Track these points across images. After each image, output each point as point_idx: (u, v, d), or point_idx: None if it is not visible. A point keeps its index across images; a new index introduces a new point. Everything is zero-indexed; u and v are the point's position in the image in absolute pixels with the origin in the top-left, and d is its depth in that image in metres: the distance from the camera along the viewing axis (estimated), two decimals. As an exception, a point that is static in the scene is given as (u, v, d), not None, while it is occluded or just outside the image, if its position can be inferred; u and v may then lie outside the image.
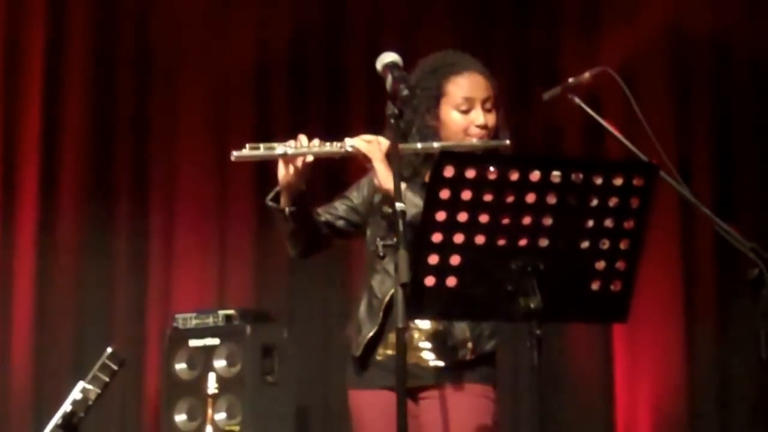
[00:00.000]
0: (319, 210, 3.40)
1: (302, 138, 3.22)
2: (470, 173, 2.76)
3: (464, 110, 3.31)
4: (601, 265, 2.87)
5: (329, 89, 6.55)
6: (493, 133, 3.34)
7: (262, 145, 3.19)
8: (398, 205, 2.89)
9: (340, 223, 3.39)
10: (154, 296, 6.37)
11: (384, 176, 3.17)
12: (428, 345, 3.27)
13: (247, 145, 3.19)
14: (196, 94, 6.53)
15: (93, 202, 6.38)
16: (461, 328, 3.24)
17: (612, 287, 2.90)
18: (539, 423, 2.88)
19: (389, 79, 3.04)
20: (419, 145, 3.25)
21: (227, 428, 5.64)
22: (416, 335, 3.27)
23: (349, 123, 6.36)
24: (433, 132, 3.30)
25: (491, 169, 2.77)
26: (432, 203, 2.77)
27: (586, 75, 3.23)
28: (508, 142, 3.32)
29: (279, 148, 3.19)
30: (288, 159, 3.20)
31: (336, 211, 3.40)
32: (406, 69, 3.18)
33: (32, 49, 6.35)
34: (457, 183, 2.76)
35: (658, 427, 6.03)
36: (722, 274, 5.99)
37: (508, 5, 6.51)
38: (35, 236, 6.23)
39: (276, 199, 3.29)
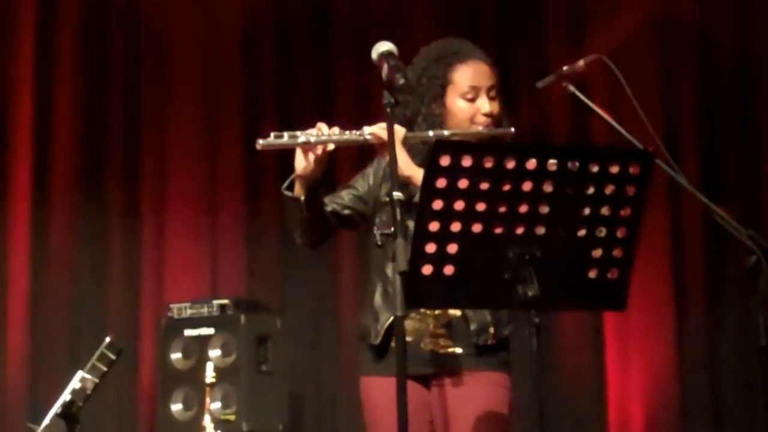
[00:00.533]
0: (325, 200, 3.39)
1: (323, 126, 3.22)
2: (466, 162, 2.76)
3: (470, 98, 3.32)
4: (598, 252, 2.88)
5: (317, 71, 6.54)
6: (498, 121, 3.35)
7: (285, 134, 3.18)
8: (395, 194, 2.89)
9: (347, 212, 3.39)
10: (148, 286, 6.38)
11: (405, 163, 3.18)
12: (445, 331, 3.28)
13: (272, 134, 3.18)
14: (186, 88, 6.53)
15: (85, 194, 6.39)
16: (482, 313, 3.24)
17: (609, 275, 2.90)
18: (539, 410, 2.87)
19: (385, 68, 3.04)
20: (431, 133, 3.25)
21: (223, 417, 5.66)
22: (433, 322, 3.27)
23: (336, 95, 6.38)
24: (439, 120, 3.31)
25: (488, 157, 2.77)
26: (428, 192, 2.78)
27: (581, 63, 3.23)
28: (513, 129, 3.32)
29: (302, 137, 3.18)
30: (309, 147, 3.18)
31: (342, 200, 3.39)
32: (399, 56, 3.17)
33: (22, 31, 6.34)
34: (454, 171, 2.76)
35: (651, 415, 6.05)
36: (712, 262, 6.00)
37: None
38: (29, 228, 6.23)
39: (290, 187, 3.29)
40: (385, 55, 3.07)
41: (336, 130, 3.22)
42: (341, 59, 6.43)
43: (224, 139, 6.57)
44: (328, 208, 3.36)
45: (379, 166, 3.39)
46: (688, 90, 6.25)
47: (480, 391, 3.23)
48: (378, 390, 3.29)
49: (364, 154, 3.44)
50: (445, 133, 3.25)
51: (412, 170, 3.16)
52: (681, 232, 6.14)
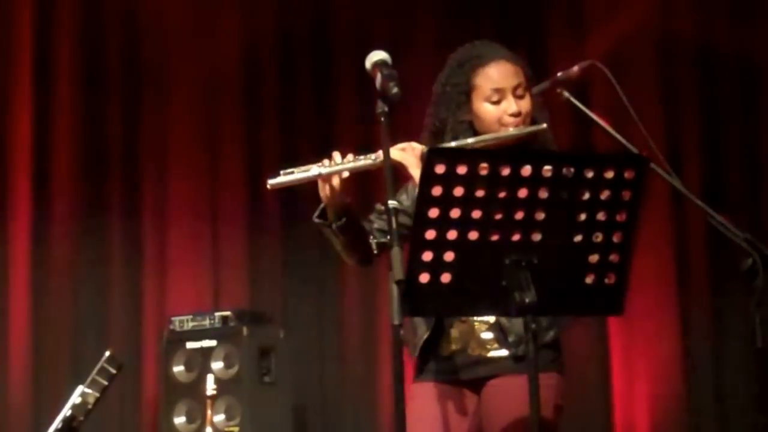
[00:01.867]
0: (371, 216, 3.42)
1: (336, 155, 3.23)
2: (461, 169, 2.76)
3: (495, 101, 3.31)
4: (594, 258, 2.88)
5: (318, 88, 6.55)
6: (530, 118, 3.33)
7: (295, 170, 3.20)
8: (390, 203, 2.89)
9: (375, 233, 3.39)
10: (150, 299, 6.38)
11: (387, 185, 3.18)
12: (491, 335, 3.28)
13: (282, 172, 3.20)
14: (186, 100, 6.54)
15: (86, 208, 6.39)
16: (518, 323, 3.23)
17: (606, 280, 2.90)
18: (537, 415, 2.86)
19: (379, 78, 3.04)
20: (453, 144, 3.25)
21: (226, 429, 5.66)
22: (479, 326, 3.28)
23: (338, 120, 6.38)
24: (467, 127, 3.32)
25: (482, 164, 2.77)
26: (424, 200, 2.78)
27: (575, 69, 3.23)
28: (545, 125, 3.31)
29: (313, 169, 3.20)
30: (324, 178, 3.21)
31: (373, 220, 3.40)
32: (395, 68, 3.18)
33: (20, 53, 6.35)
34: (449, 179, 2.77)
35: (657, 418, 6.05)
36: (715, 265, 6.01)
37: (494, 2, 6.52)
38: (29, 242, 6.23)
39: (323, 215, 3.31)
40: (379, 64, 3.07)
41: (350, 156, 3.23)
42: (343, 86, 6.44)
43: (225, 150, 6.58)
44: (375, 225, 3.37)
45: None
46: (689, 98, 6.27)
47: (523, 393, 3.22)
48: (417, 394, 3.32)
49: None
50: (469, 141, 3.26)
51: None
52: (684, 235, 6.16)
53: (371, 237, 3.37)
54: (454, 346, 3.30)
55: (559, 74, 3.24)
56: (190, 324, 5.91)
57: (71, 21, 6.47)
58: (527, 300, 2.80)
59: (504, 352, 3.28)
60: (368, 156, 3.23)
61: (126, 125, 6.52)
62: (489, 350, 3.29)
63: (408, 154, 3.23)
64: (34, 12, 6.39)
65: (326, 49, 6.58)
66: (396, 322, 2.81)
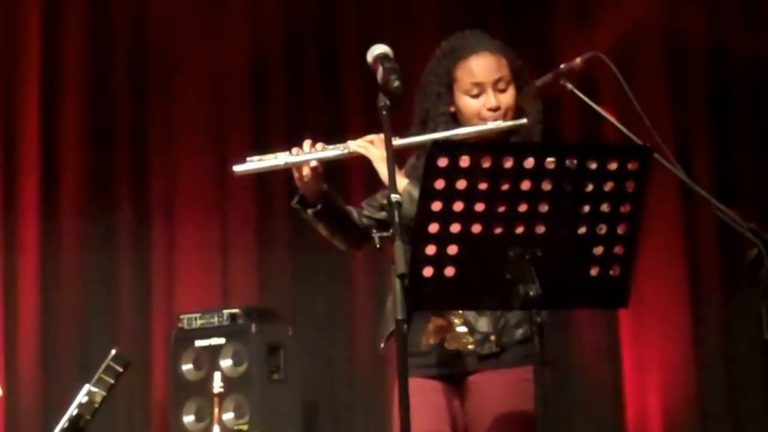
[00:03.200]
0: (363, 203, 3.44)
1: (306, 144, 3.24)
2: (464, 162, 2.75)
3: (475, 95, 3.30)
4: (599, 250, 2.86)
5: (325, 86, 6.55)
6: (512, 112, 3.31)
7: (263, 157, 3.22)
8: (393, 196, 2.88)
9: (381, 214, 3.38)
10: (158, 297, 6.38)
11: (386, 175, 3.17)
12: (465, 330, 3.27)
13: (248, 159, 3.22)
14: (193, 95, 6.54)
15: (94, 205, 6.39)
16: (484, 322, 3.24)
17: (611, 272, 2.88)
18: (543, 409, 2.85)
19: (380, 71, 3.04)
20: (422, 137, 3.24)
21: (236, 427, 5.65)
22: (456, 320, 3.27)
23: (346, 118, 6.37)
24: (446, 119, 3.31)
25: (485, 157, 2.76)
26: (427, 194, 2.77)
27: (578, 60, 3.21)
28: (525, 120, 3.29)
29: (280, 158, 3.23)
30: (292, 167, 3.22)
31: (376, 202, 3.42)
32: (398, 61, 3.17)
33: (28, 56, 6.35)
34: (452, 172, 2.75)
35: (668, 411, 6.03)
36: (726, 258, 5.99)
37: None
38: (38, 239, 6.24)
39: (303, 201, 3.33)
40: (380, 58, 3.07)
41: (319, 146, 3.25)
42: (350, 84, 6.43)
43: (233, 148, 6.56)
44: (365, 212, 3.40)
45: (410, 167, 3.39)
46: (698, 91, 6.25)
47: (501, 388, 3.22)
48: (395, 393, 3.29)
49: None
50: (446, 133, 3.25)
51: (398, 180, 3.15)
52: (695, 228, 6.14)
53: (372, 228, 3.36)
54: (431, 341, 3.28)
55: (561, 66, 3.22)
56: (199, 322, 5.90)
57: (79, 18, 6.46)
58: (531, 293, 2.78)
59: (479, 348, 3.27)
60: (337, 146, 3.25)
61: (134, 123, 6.51)
62: (466, 345, 3.27)
63: (374, 148, 3.23)
64: (42, 9, 6.39)
65: (333, 44, 6.56)
66: (399, 316, 2.80)
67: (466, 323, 3.27)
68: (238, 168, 3.25)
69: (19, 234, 6.21)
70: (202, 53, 6.52)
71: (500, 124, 3.28)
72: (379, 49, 3.09)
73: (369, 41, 3.17)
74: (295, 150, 3.25)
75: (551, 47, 6.23)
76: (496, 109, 3.29)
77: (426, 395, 3.24)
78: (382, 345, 3.32)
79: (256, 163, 3.24)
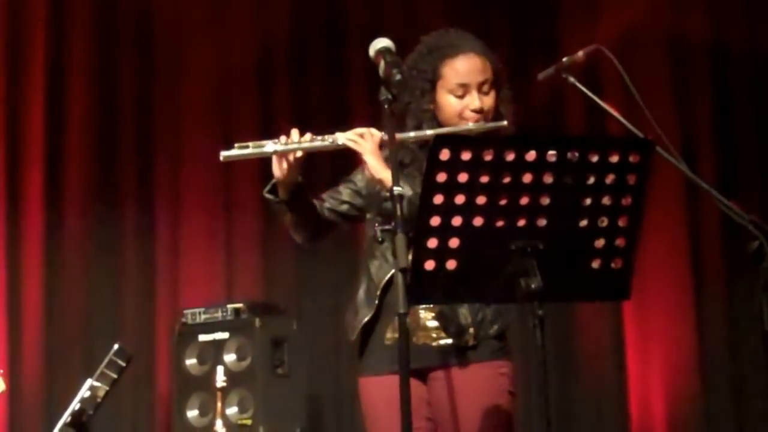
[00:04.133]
0: (324, 195, 3.42)
1: (294, 133, 3.24)
2: (466, 155, 2.75)
3: (459, 95, 3.30)
4: (600, 243, 2.86)
5: (330, 75, 6.55)
6: (492, 114, 3.32)
7: (251, 144, 3.21)
8: (395, 189, 2.89)
9: (344, 207, 3.40)
10: (163, 292, 6.39)
11: (375, 167, 3.20)
12: (436, 324, 3.26)
13: (236, 145, 3.22)
14: (199, 87, 6.55)
15: (99, 199, 6.40)
16: (463, 314, 3.24)
17: (612, 265, 2.88)
18: (545, 403, 2.84)
19: (382, 65, 3.04)
20: (412, 134, 3.24)
21: (239, 422, 5.66)
22: (424, 315, 3.26)
23: (351, 106, 6.38)
24: (429, 116, 3.29)
25: (487, 150, 2.76)
26: (429, 187, 2.77)
27: (580, 54, 3.21)
28: (506, 123, 3.30)
29: (268, 146, 3.23)
30: (279, 155, 3.21)
31: (340, 195, 3.40)
32: (403, 55, 3.18)
33: (34, 42, 6.36)
34: (454, 165, 2.75)
35: (672, 405, 6.03)
36: (728, 251, 5.98)
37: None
38: (42, 235, 6.25)
39: (274, 191, 3.31)
40: (383, 52, 3.08)
41: (308, 136, 3.25)
42: (355, 74, 6.43)
43: (238, 141, 6.56)
44: (327, 205, 3.38)
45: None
46: (702, 87, 6.25)
47: (477, 382, 3.22)
48: (373, 389, 3.31)
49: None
50: (428, 132, 3.24)
51: (382, 174, 3.17)
52: (698, 222, 6.14)
53: (334, 221, 3.38)
54: (397, 334, 3.19)
55: (564, 59, 3.22)
56: (203, 316, 5.91)
57: (86, 8, 6.47)
58: (533, 286, 2.78)
59: (449, 341, 3.26)
60: (325, 138, 3.25)
61: (139, 122, 6.53)
62: (435, 339, 3.26)
63: (364, 141, 3.22)
64: (47, 16, 6.39)
65: (339, 36, 6.57)
66: (401, 310, 2.81)
67: (439, 317, 3.25)
68: (225, 153, 3.23)
69: (23, 229, 6.22)
70: (207, 45, 6.53)
71: (482, 125, 3.28)
72: (381, 43, 3.10)
73: (375, 32, 3.17)
74: (282, 138, 3.25)
75: (556, 42, 6.22)
76: (479, 111, 3.30)
77: (394, 393, 3.11)
78: (354, 338, 3.31)
79: (243, 149, 3.24)
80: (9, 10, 6.32)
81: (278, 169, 3.26)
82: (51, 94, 6.36)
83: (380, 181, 3.17)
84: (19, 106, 6.31)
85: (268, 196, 3.32)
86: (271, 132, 6.34)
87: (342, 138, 3.24)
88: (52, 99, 6.36)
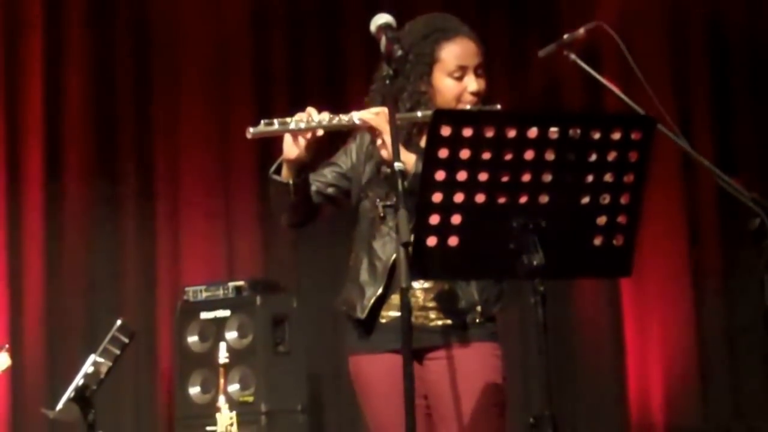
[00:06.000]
0: (310, 177, 3.37)
1: (312, 111, 3.20)
2: (467, 132, 2.75)
3: (457, 77, 3.30)
4: (602, 220, 2.86)
5: (328, 56, 6.55)
6: (484, 97, 3.32)
7: (276, 121, 3.18)
8: (397, 165, 2.89)
9: (330, 190, 3.37)
10: (164, 269, 6.40)
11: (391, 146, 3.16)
12: (435, 304, 3.26)
13: (262, 121, 3.18)
14: (196, 67, 6.56)
15: (99, 179, 6.41)
16: (469, 292, 3.23)
17: (614, 242, 2.88)
18: (546, 381, 2.85)
19: (383, 41, 3.04)
20: (419, 114, 3.23)
21: (241, 399, 5.68)
22: (422, 295, 3.26)
23: (348, 88, 6.37)
24: (425, 98, 3.28)
25: (488, 126, 2.76)
26: (431, 163, 2.76)
27: (581, 31, 3.21)
28: (499, 107, 3.30)
29: (292, 123, 3.18)
30: (298, 133, 3.18)
31: (325, 178, 3.37)
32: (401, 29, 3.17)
33: (31, 31, 6.36)
34: (455, 142, 2.75)
35: (670, 381, 6.05)
36: (726, 229, 5.99)
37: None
38: (42, 214, 6.26)
39: (277, 171, 3.29)
40: (383, 28, 3.07)
41: (325, 115, 3.20)
42: (352, 40, 6.42)
43: (236, 119, 6.57)
44: (312, 188, 3.33)
45: (362, 142, 3.36)
46: (700, 62, 6.24)
47: (473, 363, 3.22)
48: (369, 368, 3.29)
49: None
50: (419, 114, 3.22)
51: (404, 156, 3.11)
52: (696, 199, 6.14)
53: (320, 193, 3.34)
54: (393, 313, 3.23)
55: (565, 36, 3.22)
56: (204, 294, 5.93)
57: (81, 3, 6.47)
58: (535, 262, 2.78)
59: (447, 322, 3.25)
60: (341, 116, 3.21)
61: (137, 99, 6.54)
62: (433, 319, 3.26)
63: (381, 119, 3.18)
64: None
65: (334, 16, 6.56)
66: (404, 284, 2.81)
67: (438, 297, 3.25)
68: (253, 130, 3.18)
69: (24, 207, 6.24)
70: (204, 32, 6.52)
71: (481, 108, 3.27)
72: (382, 18, 3.09)
73: (372, 10, 3.16)
74: (299, 115, 3.21)
75: (556, 19, 6.22)
76: (477, 94, 3.30)
77: (390, 372, 3.17)
78: (363, 316, 3.27)
79: (269, 126, 3.19)
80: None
81: (292, 147, 3.21)
82: (49, 72, 6.37)
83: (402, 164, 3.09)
84: (18, 86, 6.32)
85: (275, 177, 3.28)
86: (269, 113, 6.40)
87: (359, 115, 3.21)
88: (50, 77, 6.37)
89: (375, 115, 3.20)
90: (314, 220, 3.40)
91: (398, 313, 3.18)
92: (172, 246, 6.44)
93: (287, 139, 3.21)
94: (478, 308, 3.25)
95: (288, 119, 3.19)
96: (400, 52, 2.99)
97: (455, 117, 2.81)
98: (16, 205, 6.21)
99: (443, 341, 3.25)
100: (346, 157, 3.38)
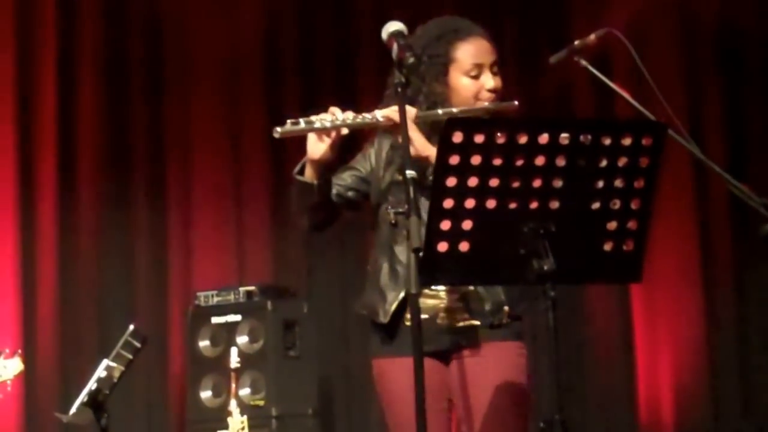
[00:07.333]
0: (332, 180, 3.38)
1: (336, 111, 3.21)
2: (479, 138, 2.77)
3: (474, 75, 3.31)
4: (612, 225, 2.88)
5: (339, 64, 6.56)
6: (501, 94, 3.34)
7: (302, 120, 3.18)
8: (408, 173, 2.90)
9: (350, 194, 3.37)
10: (176, 274, 6.42)
11: (421, 144, 3.17)
12: (461, 305, 3.27)
13: (288, 121, 3.18)
14: (208, 72, 6.57)
15: (112, 183, 6.44)
16: (495, 292, 3.23)
17: (624, 247, 2.90)
18: (556, 385, 2.87)
19: (395, 48, 3.05)
20: (440, 111, 3.23)
21: (252, 403, 5.70)
22: (448, 297, 3.26)
23: (360, 96, 6.38)
24: (442, 99, 3.30)
25: (500, 133, 2.78)
26: (442, 169, 2.78)
27: (592, 37, 3.22)
28: (516, 102, 3.31)
29: (317, 122, 3.18)
30: (324, 132, 3.19)
31: (345, 181, 3.37)
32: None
33: (44, 38, 6.38)
34: (466, 148, 2.77)
35: (680, 388, 6.05)
36: (738, 234, 5.99)
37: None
38: (56, 217, 6.28)
39: (300, 172, 3.28)
40: (395, 35, 3.09)
41: (349, 114, 3.21)
42: (363, 44, 6.44)
43: (248, 125, 6.61)
44: (333, 191, 3.33)
45: (380, 146, 3.37)
46: (711, 67, 6.24)
47: (499, 362, 3.22)
48: (393, 372, 3.28)
49: (364, 135, 3.44)
50: (454, 110, 3.24)
51: (429, 150, 3.14)
52: (707, 205, 6.14)
53: (341, 196, 3.34)
54: (422, 316, 3.15)
55: (576, 42, 3.23)
56: (215, 299, 5.95)
57: (95, 5, 6.49)
58: (546, 268, 2.80)
59: (474, 323, 3.26)
60: (364, 115, 3.21)
61: (149, 104, 6.56)
62: (459, 320, 3.26)
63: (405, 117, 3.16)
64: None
65: (346, 21, 6.58)
66: (414, 290, 2.83)
67: (464, 298, 3.26)
68: (280, 129, 3.17)
69: (37, 212, 6.26)
70: (216, 39, 6.54)
71: (499, 104, 3.29)
72: (393, 26, 3.11)
73: (384, 15, 3.18)
74: (323, 115, 3.20)
75: (567, 25, 6.23)
76: (495, 91, 3.31)
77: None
78: (386, 320, 3.28)
79: (295, 126, 3.19)
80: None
81: (317, 147, 3.20)
82: (62, 79, 6.39)
83: (427, 158, 3.13)
84: (31, 92, 6.34)
85: (299, 177, 3.27)
86: (280, 120, 6.43)
87: (383, 112, 3.20)
88: (63, 84, 6.39)
89: (396, 112, 3.18)
90: (333, 224, 3.39)
91: (425, 316, 3.20)
92: (184, 251, 6.46)
93: (311, 138, 3.20)
94: (506, 308, 3.26)
95: (313, 118, 3.18)
96: (412, 59, 3.00)
97: (468, 124, 2.82)
98: (29, 211, 6.23)
99: (470, 342, 3.26)
100: (365, 162, 3.38)
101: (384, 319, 3.28)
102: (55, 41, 6.39)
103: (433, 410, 2.98)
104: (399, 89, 3.02)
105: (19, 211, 6.20)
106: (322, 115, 3.20)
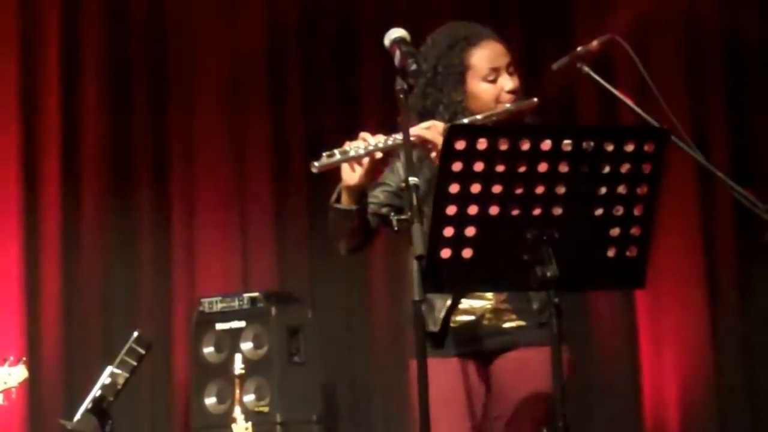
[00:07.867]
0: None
1: (366, 136, 3.21)
2: (481, 145, 2.77)
3: (492, 80, 3.32)
4: (615, 231, 2.88)
5: (342, 72, 6.57)
6: (520, 94, 3.35)
7: (336, 151, 3.18)
8: (411, 179, 2.90)
9: (385, 210, 3.36)
10: (180, 281, 6.43)
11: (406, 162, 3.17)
12: (508, 306, 3.29)
13: (323, 154, 3.17)
14: (212, 77, 6.58)
15: (116, 190, 6.44)
16: (536, 296, 3.23)
17: (628, 253, 2.90)
18: (560, 392, 2.87)
19: (398, 55, 3.05)
20: (466, 121, 3.23)
21: (256, 409, 5.70)
22: (494, 297, 3.28)
23: (362, 104, 6.40)
24: (461, 107, 3.31)
25: (502, 139, 2.78)
26: (445, 176, 2.79)
27: (594, 43, 3.22)
28: (536, 99, 3.32)
29: (351, 151, 3.18)
30: (359, 159, 3.19)
31: (378, 199, 3.37)
32: (416, 43, 3.19)
33: (47, 45, 6.39)
34: (469, 155, 2.78)
35: (685, 391, 6.04)
36: (742, 242, 5.99)
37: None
38: (60, 223, 6.29)
39: (336, 199, 3.29)
40: (398, 42, 3.08)
41: (380, 137, 3.21)
42: (367, 56, 6.44)
43: (252, 132, 6.61)
44: (368, 209, 3.33)
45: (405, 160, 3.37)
46: (715, 73, 6.24)
47: (544, 363, 3.20)
48: (437, 370, 3.19)
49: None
50: (478, 117, 3.25)
51: None
52: (711, 212, 6.14)
53: (376, 214, 3.34)
54: (461, 318, 3.29)
55: (578, 49, 3.23)
56: (220, 305, 5.95)
57: (97, 12, 6.50)
58: (549, 274, 2.80)
59: (521, 323, 3.29)
60: (393, 136, 3.19)
61: (153, 111, 6.56)
62: (505, 321, 3.29)
63: (434, 132, 3.20)
64: (61, 5, 6.43)
65: (350, 33, 6.58)
66: (417, 297, 2.83)
67: (511, 298, 3.27)
68: (317, 164, 3.16)
69: (41, 218, 6.27)
70: (219, 45, 6.55)
71: (520, 104, 3.31)
72: (396, 33, 3.11)
73: (387, 24, 3.18)
74: (355, 142, 3.20)
75: (569, 31, 6.23)
76: (514, 92, 3.33)
77: (459, 376, 3.25)
78: (437, 329, 3.29)
79: (330, 158, 3.16)
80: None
81: (351, 175, 3.20)
82: (65, 89, 6.39)
83: None
84: (34, 103, 6.35)
85: (337, 205, 3.26)
86: (284, 125, 6.45)
87: (413, 132, 3.15)
88: (67, 94, 6.39)
89: (427, 129, 3.22)
90: (370, 245, 3.40)
91: (467, 317, 3.27)
92: (188, 258, 6.47)
93: (345, 166, 3.20)
94: (544, 313, 3.24)
95: (347, 147, 3.19)
96: (414, 66, 3.00)
97: (470, 131, 2.83)
98: (33, 218, 6.24)
99: (515, 343, 3.28)
100: (394, 175, 3.38)
101: (435, 327, 3.29)
102: (59, 48, 6.40)
103: (461, 411, 3.02)
104: (402, 96, 3.02)
105: (22, 217, 6.21)
106: (355, 143, 3.20)
